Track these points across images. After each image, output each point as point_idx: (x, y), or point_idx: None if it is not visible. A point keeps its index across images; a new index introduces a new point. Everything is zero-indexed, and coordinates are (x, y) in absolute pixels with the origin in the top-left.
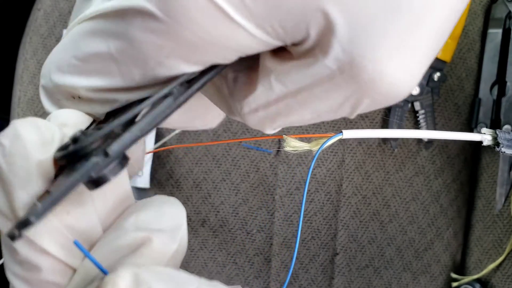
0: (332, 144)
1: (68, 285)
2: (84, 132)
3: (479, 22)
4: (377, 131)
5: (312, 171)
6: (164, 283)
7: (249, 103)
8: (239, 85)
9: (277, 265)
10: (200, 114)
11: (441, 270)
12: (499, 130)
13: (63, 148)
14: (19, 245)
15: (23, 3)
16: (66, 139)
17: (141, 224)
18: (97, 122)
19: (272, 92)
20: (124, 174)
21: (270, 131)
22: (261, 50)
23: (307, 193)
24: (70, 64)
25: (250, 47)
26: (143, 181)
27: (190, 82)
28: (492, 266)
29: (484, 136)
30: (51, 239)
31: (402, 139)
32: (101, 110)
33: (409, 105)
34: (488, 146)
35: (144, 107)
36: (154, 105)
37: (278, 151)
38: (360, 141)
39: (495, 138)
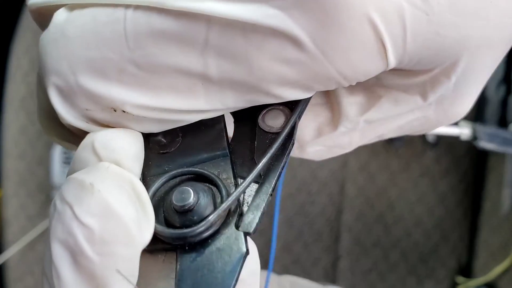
0: None
1: None
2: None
3: None
4: None
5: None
6: None
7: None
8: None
9: (277, 270)
10: None
11: (446, 274)
12: (479, 124)
13: (169, 222)
14: None
15: None
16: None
17: None
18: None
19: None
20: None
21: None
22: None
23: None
24: (122, 70)
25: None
26: None
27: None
28: (499, 269)
29: (462, 130)
30: None
31: (408, 139)
32: (154, 129)
33: None
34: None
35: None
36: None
37: None
38: None
39: (474, 132)
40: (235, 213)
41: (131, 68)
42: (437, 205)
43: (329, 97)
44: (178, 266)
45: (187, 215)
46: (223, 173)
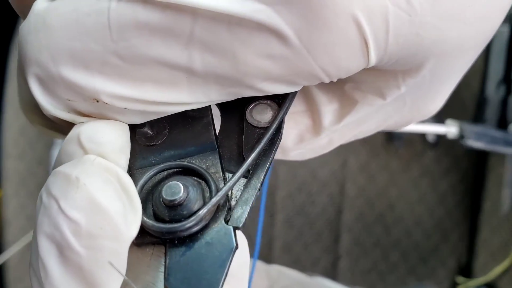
0: None
1: None
2: (185, 192)
3: None
4: None
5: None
6: None
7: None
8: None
9: None
10: None
11: (446, 274)
12: (466, 122)
13: (157, 215)
14: None
15: None
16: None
17: None
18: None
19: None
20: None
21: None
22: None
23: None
24: (105, 61)
25: (353, 71)
26: None
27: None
28: (499, 269)
29: (449, 129)
30: None
31: (408, 139)
32: (138, 120)
33: None
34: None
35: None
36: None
37: None
38: (364, 141)
39: (461, 131)
40: (224, 208)
41: (114, 59)
42: (437, 205)
43: (309, 105)
44: (167, 260)
45: (177, 210)
46: (212, 167)
